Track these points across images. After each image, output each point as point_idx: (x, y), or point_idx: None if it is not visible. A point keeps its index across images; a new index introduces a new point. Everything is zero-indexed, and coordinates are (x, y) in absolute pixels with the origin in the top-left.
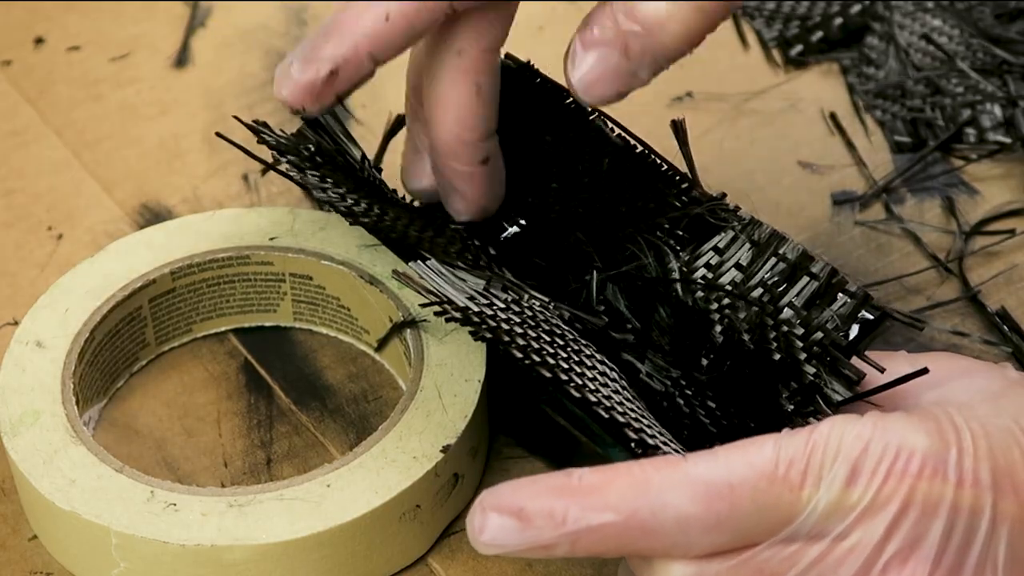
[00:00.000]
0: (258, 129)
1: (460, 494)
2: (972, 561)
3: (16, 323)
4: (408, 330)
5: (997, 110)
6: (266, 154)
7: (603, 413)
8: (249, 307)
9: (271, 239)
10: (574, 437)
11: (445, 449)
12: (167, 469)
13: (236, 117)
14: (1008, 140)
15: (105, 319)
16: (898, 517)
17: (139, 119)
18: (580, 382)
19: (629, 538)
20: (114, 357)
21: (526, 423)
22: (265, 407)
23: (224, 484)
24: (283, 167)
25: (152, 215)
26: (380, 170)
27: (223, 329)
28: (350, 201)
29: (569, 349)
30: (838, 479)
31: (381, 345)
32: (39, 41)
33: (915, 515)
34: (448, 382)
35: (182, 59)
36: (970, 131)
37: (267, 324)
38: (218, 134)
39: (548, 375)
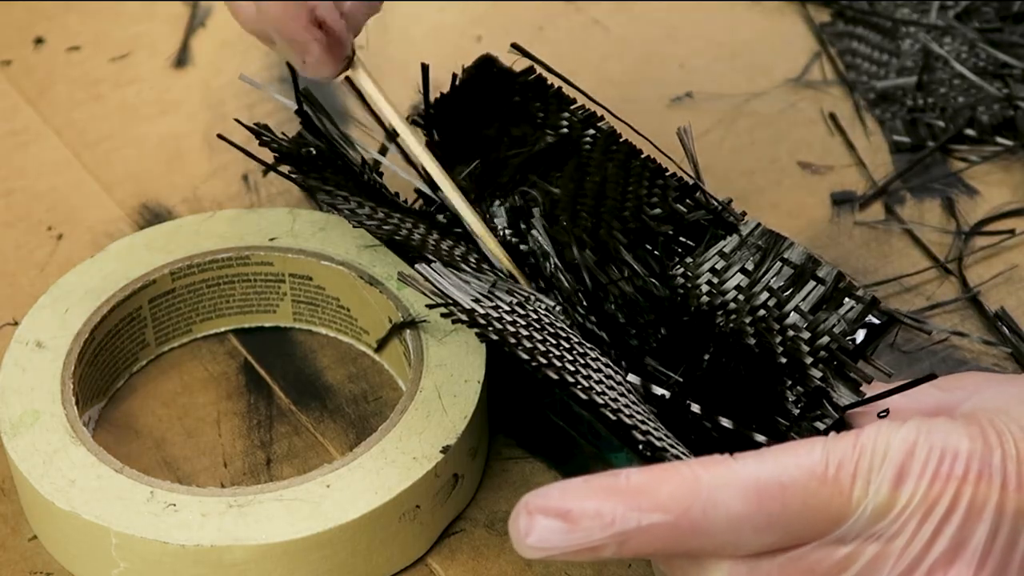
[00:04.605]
0: (259, 132)
1: (460, 494)
2: (1017, 563)
3: (16, 323)
4: (408, 331)
5: (998, 111)
6: (267, 156)
7: (610, 415)
8: (249, 307)
9: (271, 239)
10: (574, 438)
11: (445, 450)
12: (167, 469)
13: (237, 120)
14: (1008, 142)
15: (105, 319)
16: (944, 519)
17: (139, 119)
18: (587, 384)
19: (679, 538)
20: (114, 357)
21: (526, 423)
22: (265, 407)
23: (224, 484)
24: (284, 169)
25: (152, 215)
26: (381, 174)
27: (223, 329)
28: (353, 204)
29: (575, 352)
30: (886, 481)
31: (381, 346)
32: (39, 41)
33: (960, 517)
34: (448, 383)
35: (182, 59)
36: (970, 132)
37: (267, 324)
38: (220, 136)
39: (555, 377)
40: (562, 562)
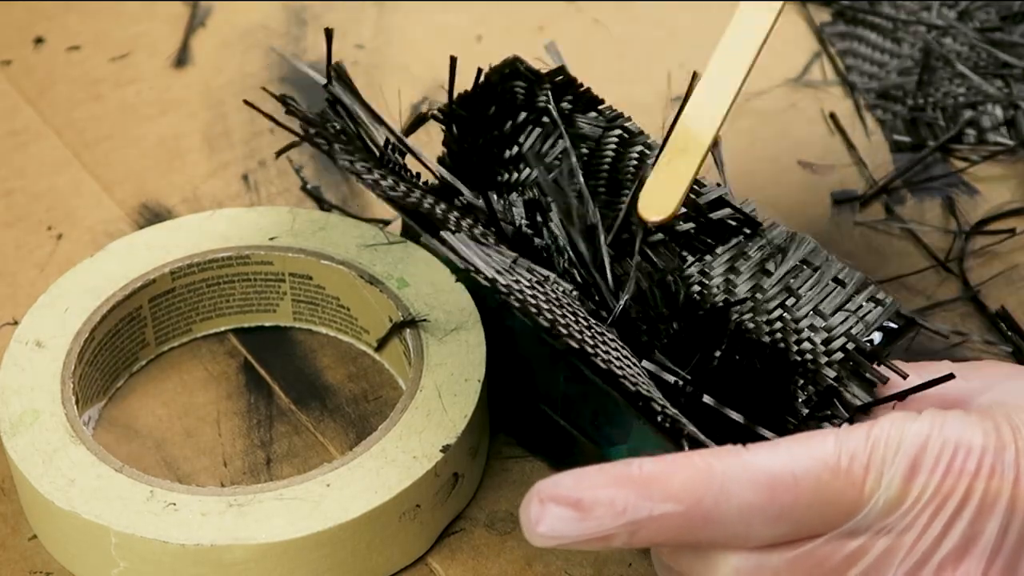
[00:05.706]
0: (285, 101)
1: (460, 494)
2: None
3: (16, 323)
4: (408, 330)
5: (998, 111)
6: (279, 143)
7: (629, 386)
8: (249, 307)
9: (271, 239)
10: (574, 437)
11: (445, 449)
12: (167, 469)
13: (264, 88)
14: (1009, 141)
15: (105, 319)
16: (955, 514)
17: (139, 119)
18: (606, 357)
19: (690, 528)
20: (114, 357)
21: (526, 423)
22: (265, 407)
23: (224, 484)
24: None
25: (152, 215)
26: (403, 154)
27: (223, 329)
28: (377, 175)
29: (593, 331)
30: (898, 474)
31: (381, 345)
32: (39, 41)
33: (972, 512)
34: (448, 382)
35: (182, 59)
36: (970, 132)
37: (267, 324)
38: (246, 102)
39: (576, 347)
40: (562, 562)
